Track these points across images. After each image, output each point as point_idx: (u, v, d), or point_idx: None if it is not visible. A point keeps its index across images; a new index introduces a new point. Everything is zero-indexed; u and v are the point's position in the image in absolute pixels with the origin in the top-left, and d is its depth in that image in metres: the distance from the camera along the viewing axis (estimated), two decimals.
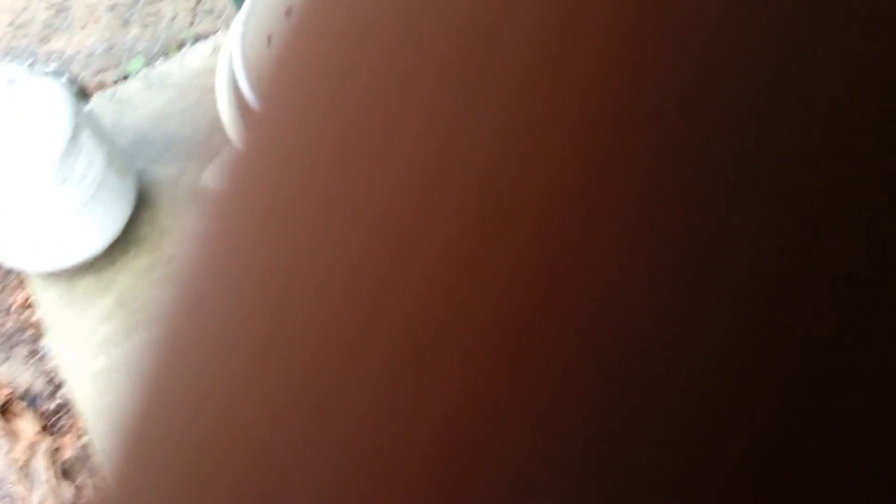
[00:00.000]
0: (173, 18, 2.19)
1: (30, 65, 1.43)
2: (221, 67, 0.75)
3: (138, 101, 1.97)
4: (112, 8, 2.27)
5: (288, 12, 0.83)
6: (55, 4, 2.31)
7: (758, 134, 0.09)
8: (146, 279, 1.67)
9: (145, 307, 1.64)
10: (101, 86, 2.05)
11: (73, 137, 1.43)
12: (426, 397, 0.10)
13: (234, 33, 0.72)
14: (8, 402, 1.59)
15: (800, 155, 0.09)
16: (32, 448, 1.56)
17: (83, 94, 1.50)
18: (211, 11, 2.22)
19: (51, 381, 1.63)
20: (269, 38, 0.79)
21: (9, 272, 1.75)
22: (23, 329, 1.69)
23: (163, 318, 0.17)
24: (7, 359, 1.66)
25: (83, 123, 1.47)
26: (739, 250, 0.09)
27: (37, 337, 1.68)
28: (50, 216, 1.46)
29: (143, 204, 1.74)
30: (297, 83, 0.13)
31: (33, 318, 1.69)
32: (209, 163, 1.85)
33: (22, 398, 1.61)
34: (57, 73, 1.46)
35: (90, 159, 1.48)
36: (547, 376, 0.10)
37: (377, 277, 0.11)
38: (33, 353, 1.66)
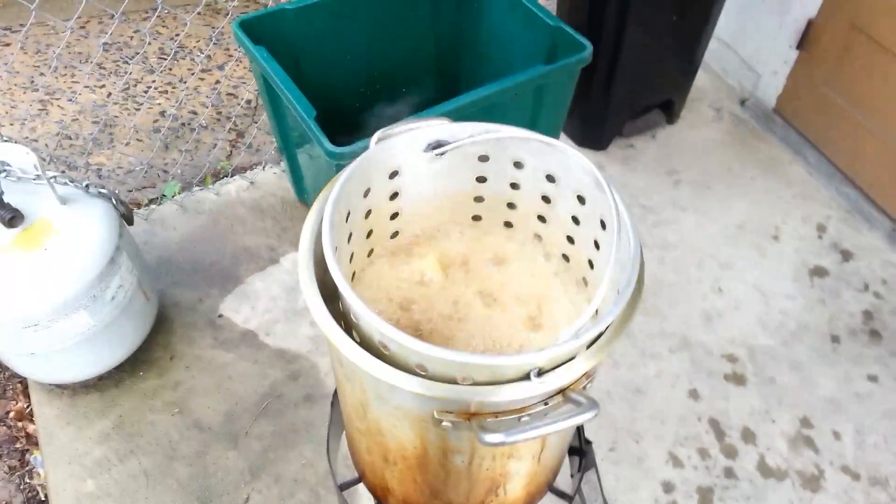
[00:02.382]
0: (213, 148, 2.31)
1: (86, 186, 1.50)
2: (305, 235, 0.81)
3: (171, 223, 2.04)
4: (156, 131, 2.41)
5: (366, 193, 0.90)
6: (102, 121, 2.45)
7: None
8: (149, 403, 1.65)
9: (143, 433, 1.61)
10: (135, 204, 2.13)
11: (112, 260, 1.47)
12: None
13: (327, 208, 0.78)
14: None
15: None
16: None
17: (128, 218, 1.56)
18: (250, 147, 2.35)
19: (32, 499, 1.56)
20: (348, 214, 0.86)
21: (12, 378, 1.73)
22: (13, 440, 1.64)
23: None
24: None
25: (123, 247, 1.52)
26: None
27: (27, 449, 1.63)
28: (70, 331, 1.47)
29: (159, 325, 1.76)
30: None
31: (28, 430, 1.65)
32: (229, 293, 1.89)
33: None
34: (107, 196, 1.53)
35: (121, 282, 1.52)
36: None
37: None
38: (20, 465, 1.61)
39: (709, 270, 1.99)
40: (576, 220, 0.94)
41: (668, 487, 1.55)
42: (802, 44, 2.23)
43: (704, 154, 2.33)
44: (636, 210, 2.09)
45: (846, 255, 2.05)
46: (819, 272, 2.00)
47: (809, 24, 2.18)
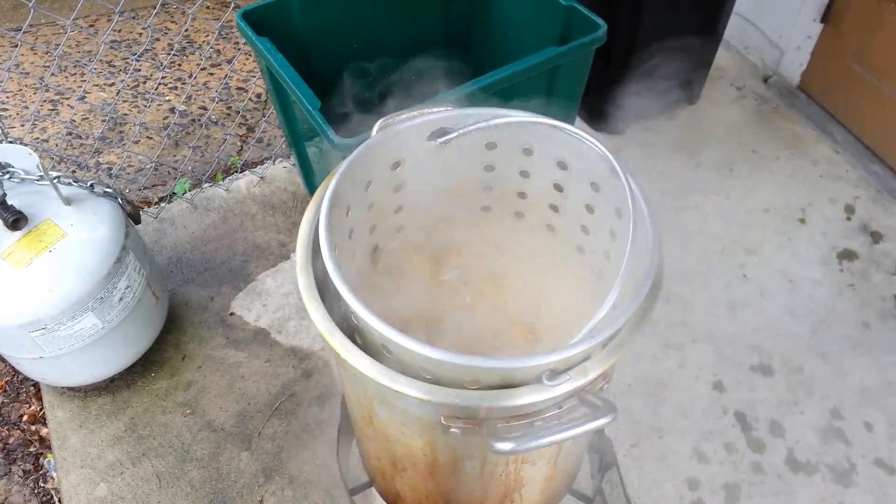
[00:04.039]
0: (223, 144, 2.28)
1: (90, 186, 1.47)
2: (303, 232, 0.77)
3: (180, 221, 2.01)
4: (165, 128, 2.38)
5: (367, 186, 0.86)
6: (112, 119, 2.42)
7: None
8: (161, 405, 1.63)
9: (156, 434, 1.59)
10: (145, 202, 2.10)
11: (119, 260, 1.44)
12: None
13: (323, 204, 0.74)
14: None
15: None
16: None
17: (135, 217, 1.53)
18: (260, 141, 2.31)
19: (46, 503, 1.55)
20: (348, 209, 0.82)
21: (25, 381, 1.72)
22: (27, 444, 1.63)
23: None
24: (4, 475, 1.59)
25: (130, 247, 1.49)
26: None
27: (41, 453, 1.61)
28: (79, 334, 1.45)
29: (169, 325, 1.74)
30: None
31: (41, 433, 1.64)
32: (241, 290, 1.86)
33: None
34: (113, 195, 1.50)
35: (129, 283, 1.49)
36: None
37: None
38: (33, 470, 1.60)
39: (733, 257, 1.92)
40: (590, 209, 0.89)
41: (693, 484, 1.50)
42: (827, 16, 2.14)
43: (726, 135, 2.25)
44: (655, 195, 2.03)
45: (876, 237, 1.97)
46: (848, 255, 1.92)
47: None
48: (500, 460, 0.79)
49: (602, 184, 0.84)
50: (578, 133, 0.81)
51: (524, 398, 0.66)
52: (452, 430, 0.70)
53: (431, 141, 0.86)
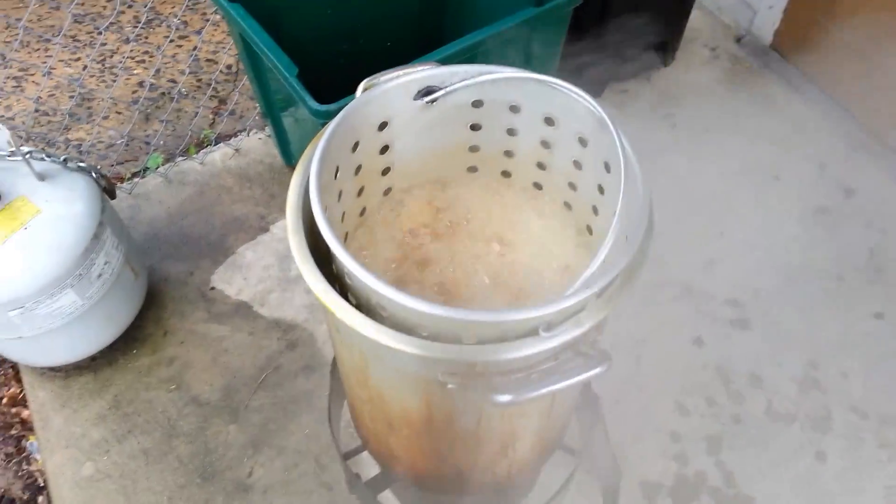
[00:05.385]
0: (195, 117, 2.24)
1: (64, 161, 1.44)
2: (292, 195, 0.76)
3: (156, 197, 1.97)
4: (135, 102, 2.32)
5: (354, 147, 0.85)
6: (79, 95, 2.36)
7: None
8: (145, 381, 1.62)
9: (140, 411, 1.58)
10: (118, 178, 2.06)
11: (96, 236, 1.42)
12: None
13: (313, 164, 0.73)
14: None
15: None
16: None
17: (110, 192, 1.50)
18: (233, 113, 2.27)
19: (30, 485, 1.53)
20: (337, 171, 0.81)
21: (2, 363, 1.69)
22: (8, 426, 1.61)
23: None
24: None
25: (106, 222, 1.46)
26: None
27: (22, 436, 1.60)
28: (58, 312, 1.42)
29: (150, 301, 1.72)
30: None
31: (22, 415, 1.62)
32: (220, 264, 1.84)
33: None
34: (87, 170, 1.47)
35: (108, 258, 1.47)
36: None
37: None
38: (16, 452, 1.58)
39: (709, 215, 1.94)
40: (578, 165, 0.89)
41: (675, 437, 1.53)
42: None
43: (701, 95, 2.26)
44: None
45: (849, 193, 2.00)
46: (822, 211, 1.96)
47: None
48: (495, 414, 0.80)
49: (590, 139, 0.84)
50: (567, 87, 0.81)
51: (521, 351, 0.66)
52: (450, 385, 0.71)
53: (418, 100, 0.86)
